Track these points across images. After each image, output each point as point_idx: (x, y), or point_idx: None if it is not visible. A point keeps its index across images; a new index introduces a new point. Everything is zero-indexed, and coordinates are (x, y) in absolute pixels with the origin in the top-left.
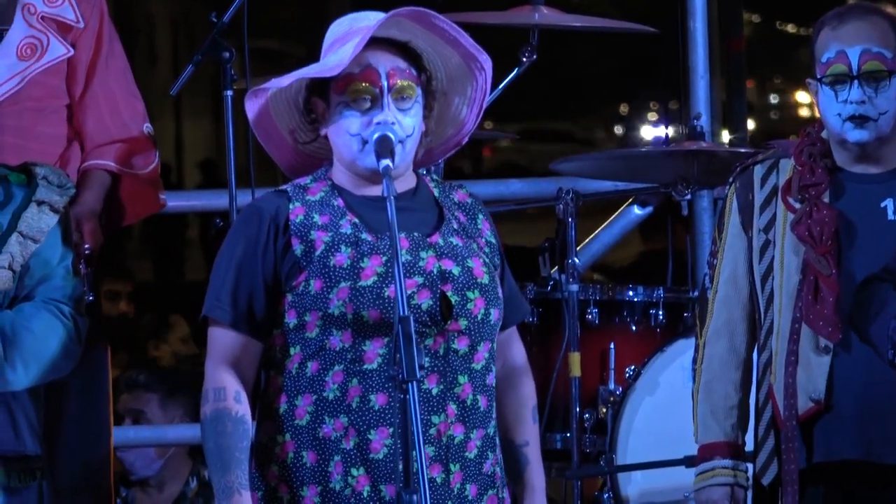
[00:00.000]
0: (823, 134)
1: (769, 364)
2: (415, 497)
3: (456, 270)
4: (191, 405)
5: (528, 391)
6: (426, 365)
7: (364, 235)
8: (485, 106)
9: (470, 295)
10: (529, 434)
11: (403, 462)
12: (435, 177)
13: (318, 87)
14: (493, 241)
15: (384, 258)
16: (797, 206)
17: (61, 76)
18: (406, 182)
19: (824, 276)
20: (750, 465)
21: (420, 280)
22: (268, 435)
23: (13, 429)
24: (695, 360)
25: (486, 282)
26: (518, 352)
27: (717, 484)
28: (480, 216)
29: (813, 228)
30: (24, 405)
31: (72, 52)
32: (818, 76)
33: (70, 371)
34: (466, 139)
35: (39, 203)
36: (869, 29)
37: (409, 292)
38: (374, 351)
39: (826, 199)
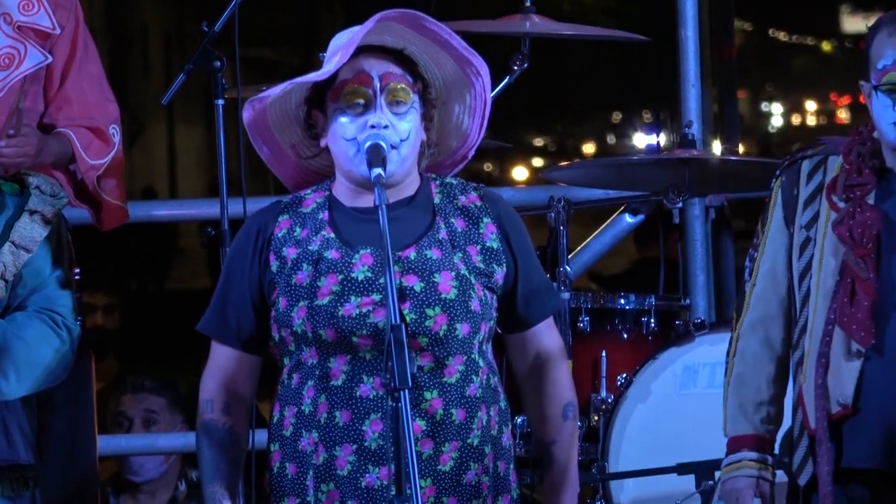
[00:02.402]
0: (875, 134)
1: (801, 364)
2: None
3: (418, 287)
4: (188, 414)
5: (556, 389)
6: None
7: (328, 253)
8: (487, 116)
9: (429, 312)
10: (556, 433)
11: (395, 468)
12: (449, 180)
13: (317, 100)
14: (496, 245)
15: (340, 276)
16: (841, 205)
17: (40, 83)
18: (405, 189)
19: (861, 279)
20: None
21: (377, 297)
22: (267, 441)
23: (6, 438)
24: (728, 353)
25: (453, 297)
26: (548, 349)
27: (742, 475)
28: (486, 220)
29: (854, 230)
30: (17, 414)
31: (50, 58)
32: (874, 82)
33: (62, 380)
34: (472, 152)
35: (32, 213)
36: None
37: (365, 310)
38: (339, 368)
39: (871, 201)
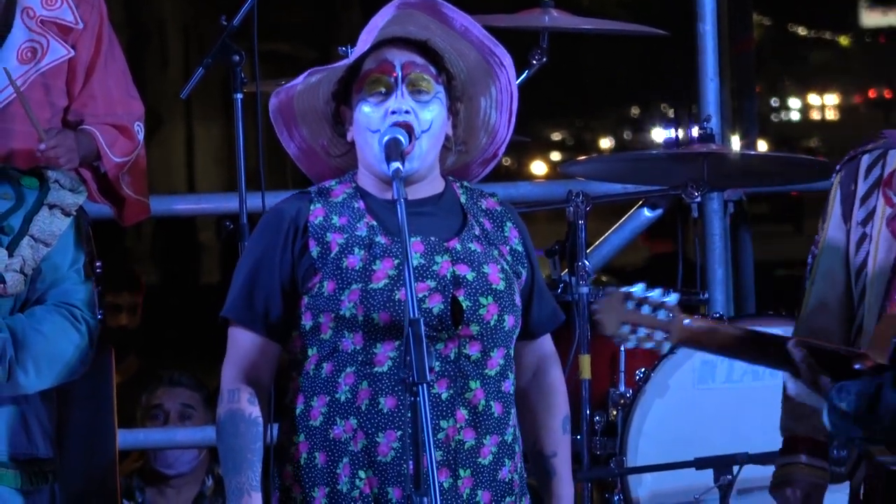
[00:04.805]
0: None
1: None
2: (425, 500)
3: (470, 276)
4: None
5: (556, 402)
6: (436, 369)
7: (379, 238)
8: (515, 111)
9: (483, 300)
10: (557, 445)
11: (414, 464)
12: (466, 184)
13: (344, 96)
14: (521, 249)
15: (396, 261)
16: None
17: (62, 77)
18: (432, 187)
19: None
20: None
21: (432, 284)
22: (286, 435)
23: (25, 432)
24: None
25: (502, 288)
26: (549, 364)
27: (796, 479)
28: (509, 224)
29: None
30: (37, 408)
31: (72, 53)
32: None
33: (82, 374)
34: (503, 149)
35: (51, 206)
36: None
37: (420, 296)
38: (385, 354)
39: None
